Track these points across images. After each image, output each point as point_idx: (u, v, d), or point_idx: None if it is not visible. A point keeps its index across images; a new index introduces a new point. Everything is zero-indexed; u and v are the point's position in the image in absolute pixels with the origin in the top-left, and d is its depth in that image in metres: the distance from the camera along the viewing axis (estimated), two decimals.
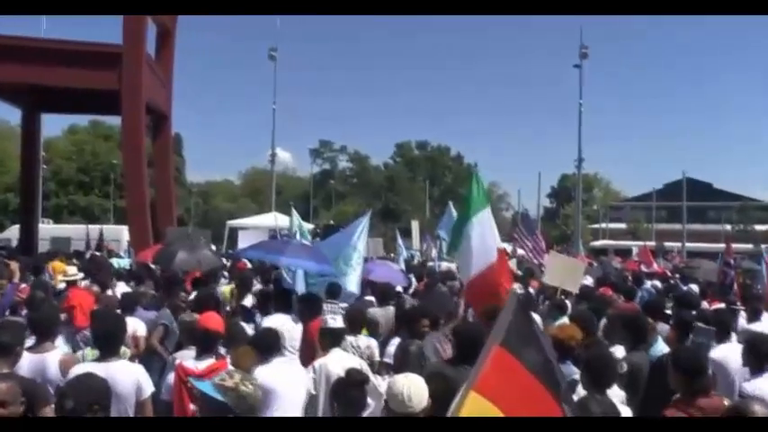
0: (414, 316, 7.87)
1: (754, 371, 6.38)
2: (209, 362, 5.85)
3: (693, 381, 4.92)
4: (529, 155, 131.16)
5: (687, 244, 51.62)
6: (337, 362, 6.31)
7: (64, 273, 12.41)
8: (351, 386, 5.01)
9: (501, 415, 3.15)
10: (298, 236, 13.83)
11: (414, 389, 3.92)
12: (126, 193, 23.84)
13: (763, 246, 45.55)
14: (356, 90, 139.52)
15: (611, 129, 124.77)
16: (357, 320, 7.86)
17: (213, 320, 6.42)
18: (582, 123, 42.07)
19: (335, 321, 6.89)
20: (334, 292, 9.91)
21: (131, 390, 5.29)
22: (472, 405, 3.14)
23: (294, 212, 14.42)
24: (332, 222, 45.32)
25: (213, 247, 23.28)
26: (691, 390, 4.85)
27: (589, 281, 14.60)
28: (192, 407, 5.23)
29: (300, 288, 10.48)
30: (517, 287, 11.56)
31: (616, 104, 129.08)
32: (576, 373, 5.80)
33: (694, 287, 15.54)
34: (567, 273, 10.19)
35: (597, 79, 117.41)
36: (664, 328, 8.25)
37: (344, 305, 9.46)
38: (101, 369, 4.83)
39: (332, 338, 6.72)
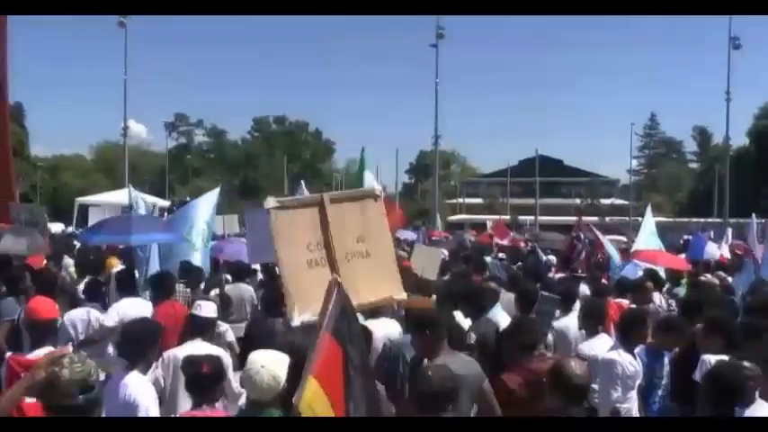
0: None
1: (590, 333, 6.78)
2: (45, 351, 5.17)
3: (529, 349, 5.15)
4: (388, 131, 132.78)
5: (540, 217, 54.04)
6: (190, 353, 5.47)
7: None
8: (197, 380, 4.54)
9: (327, 398, 3.25)
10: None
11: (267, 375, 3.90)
12: None
13: (607, 218, 48.17)
14: (213, 63, 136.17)
15: (469, 107, 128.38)
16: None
17: (43, 307, 5.76)
18: (438, 101, 42.93)
19: (203, 309, 6.04)
20: (188, 270, 9.61)
21: None
22: (310, 390, 3.21)
23: (130, 188, 13.13)
24: (188, 199, 44.00)
25: (55, 226, 21.86)
26: (527, 355, 5.07)
27: (445, 254, 15.00)
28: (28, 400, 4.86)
29: (155, 267, 10.03)
30: None
31: (472, 84, 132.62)
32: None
33: (552, 258, 16.29)
34: (427, 261, 10.46)
35: (454, 58, 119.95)
36: (510, 296, 8.60)
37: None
38: None
39: (195, 327, 5.98)
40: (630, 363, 5.85)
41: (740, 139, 74.69)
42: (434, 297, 8.16)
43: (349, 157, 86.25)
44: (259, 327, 7.22)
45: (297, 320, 4.43)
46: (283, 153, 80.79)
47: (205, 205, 11.31)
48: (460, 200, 78.46)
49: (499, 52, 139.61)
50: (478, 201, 77.08)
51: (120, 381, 4.75)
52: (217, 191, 11.79)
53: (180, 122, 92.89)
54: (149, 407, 4.62)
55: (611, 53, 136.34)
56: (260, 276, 11.54)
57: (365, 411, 3.36)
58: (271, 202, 4.68)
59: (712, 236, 24.55)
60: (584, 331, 7.17)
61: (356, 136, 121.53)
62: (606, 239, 14.16)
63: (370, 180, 11.72)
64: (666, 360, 6.39)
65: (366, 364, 3.42)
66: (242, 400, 4.74)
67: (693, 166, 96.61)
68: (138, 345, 4.96)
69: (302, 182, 19.61)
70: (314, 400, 3.26)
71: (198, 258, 10.61)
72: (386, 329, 6.74)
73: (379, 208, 4.92)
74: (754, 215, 14.66)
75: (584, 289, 10.05)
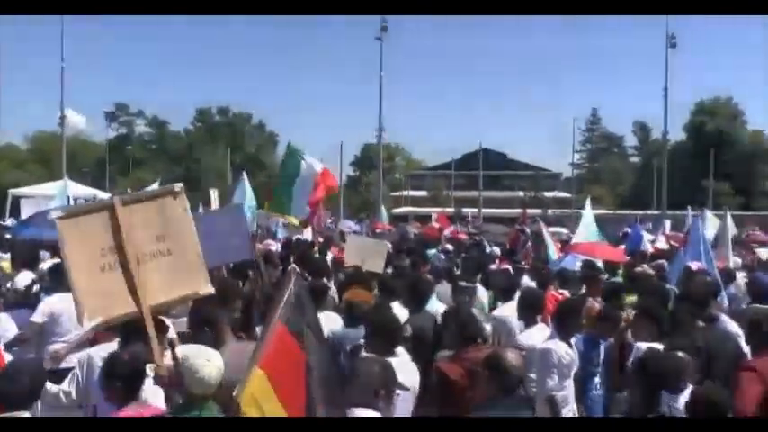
0: None
1: (528, 323, 6.85)
2: None
3: (462, 336, 5.18)
4: (332, 124, 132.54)
5: (483, 210, 54.55)
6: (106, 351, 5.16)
7: None
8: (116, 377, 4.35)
9: (275, 392, 3.18)
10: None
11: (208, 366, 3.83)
12: None
13: (549, 211, 48.88)
14: (155, 53, 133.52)
15: (414, 100, 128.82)
16: None
17: None
18: (383, 94, 42.93)
19: None
20: None
21: None
22: (255, 383, 3.16)
23: (66, 179, 12.92)
24: (129, 190, 43.10)
25: None
26: (463, 344, 5.09)
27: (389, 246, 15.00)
28: None
29: None
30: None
31: (417, 77, 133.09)
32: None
33: (497, 250, 16.47)
34: (367, 253, 10.37)
35: (399, 51, 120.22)
36: (446, 288, 8.68)
37: None
38: None
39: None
40: (566, 352, 5.94)
41: (678, 134, 76.91)
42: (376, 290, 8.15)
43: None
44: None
45: (87, 325, 4.45)
46: (226, 145, 79.81)
47: None
48: (405, 192, 78.69)
49: (444, 46, 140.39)
50: (423, 193, 77.43)
51: None
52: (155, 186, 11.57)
53: (120, 113, 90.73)
54: None
55: (554, 50, 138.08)
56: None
57: (323, 402, 3.28)
58: (54, 213, 4.67)
59: (650, 228, 25.12)
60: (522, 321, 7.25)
61: (300, 128, 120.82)
62: (547, 232, 14.37)
63: (312, 164, 11.64)
64: (602, 349, 6.51)
65: (324, 354, 3.36)
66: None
67: (634, 160, 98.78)
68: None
69: (245, 174, 19.37)
70: (259, 394, 3.19)
71: None
72: (329, 323, 6.70)
73: (180, 204, 4.89)
74: (689, 208, 15.14)
75: (527, 280, 10.16)
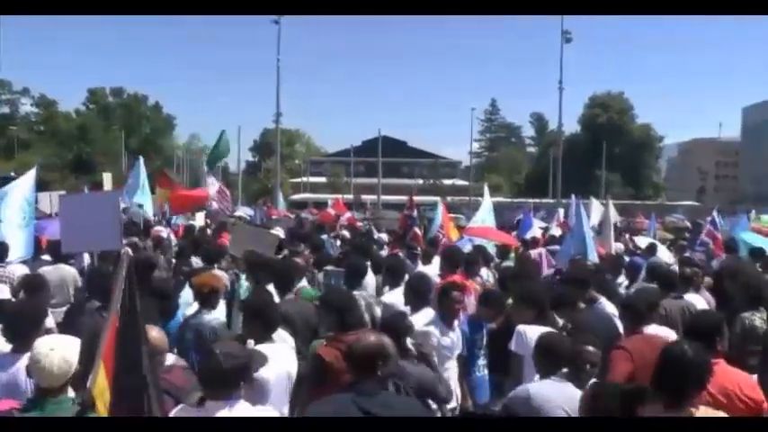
0: None
1: (415, 307, 6.78)
2: None
3: (342, 319, 5.07)
4: (231, 108, 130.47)
5: (383, 197, 54.81)
6: None
7: None
8: None
9: (107, 380, 3.09)
10: None
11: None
12: None
13: (448, 198, 49.49)
14: (41, 28, 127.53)
15: (314, 86, 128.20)
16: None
17: None
18: (282, 80, 42.52)
19: None
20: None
21: None
22: (100, 375, 3.11)
23: None
24: (13, 174, 41.08)
25: None
26: (341, 327, 4.99)
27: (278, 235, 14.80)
28: None
29: None
30: None
31: (318, 63, 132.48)
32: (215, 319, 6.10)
33: (384, 236, 16.56)
34: (254, 242, 10.12)
35: (299, 36, 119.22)
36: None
37: None
38: None
39: None
40: (447, 334, 5.94)
41: (573, 126, 79.56)
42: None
43: (191, 132, 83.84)
44: (81, 311, 6.68)
45: None
46: (121, 127, 77.31)
47: (22, 183, 10.50)
48: (304, 179, 78.30)
49: (344, 32, 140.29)
50: (322, 180, 77.24)
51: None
52: (34, 170, 10.97)
53: (2, 90, 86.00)
54: None
55: (455, 42, 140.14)
56: (86, 258, 10.82)
57: (128, 390, 3.08)
58: None
59: (545, 216, 25.88)
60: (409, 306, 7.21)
61: (199, 112, 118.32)
62: (442, 213, 14.58)
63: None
64: (485, 331, 6.54)
65: (137, 340, 3.14)
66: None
67: (531, 150, 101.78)
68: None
69: (141, 158, 18.75)
70: (103, 385, 3.12)
71: (20, 237, 9.82)
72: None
73: None
74: (573, 196, 15.73)
75: (431, 266, 10.20)
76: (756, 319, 6.21)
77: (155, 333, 4.11)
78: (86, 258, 10.29)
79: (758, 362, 5.81)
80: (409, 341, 4.94)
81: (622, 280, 10.01)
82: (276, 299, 6.72)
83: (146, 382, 3.07)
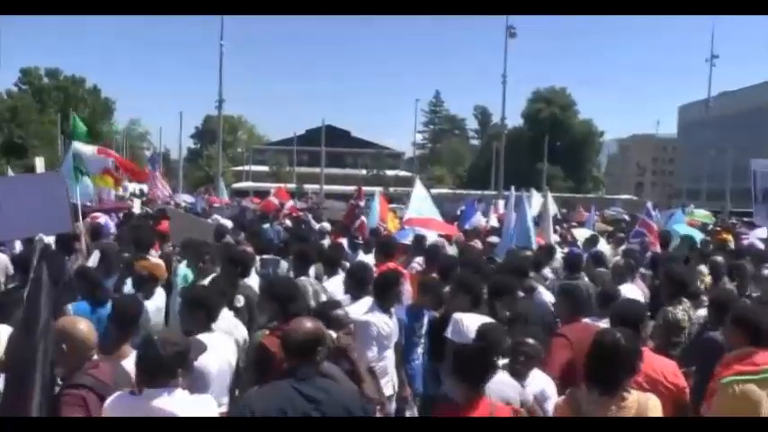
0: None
1: (354, 296, 6.81)
2: None
3: (284, 308, 5.07)
4: (172, 92, 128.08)
5: (326, 186, 54.67)
6: None
7: None
8: None
9: None
10: None
11: None
12: None
13: (391, 189, 49.54)
14: None
15: (257, 73, 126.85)
16: None
17: None
18: (225, 65, 42.02)
19: None
20: None
21: None
22: None
23: None
24: None
25: None
26: (283, 315, 4.99)
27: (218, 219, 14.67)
28: None
29: None
30: None
31: (262, 50, 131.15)
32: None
33: (326, 225, 16.54)
34: (193, 231, 10.00)
35: (242, 21, 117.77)
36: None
37: None
38: None
39: None
40: (386, 323, 5.99)
41: (516, 120, 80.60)
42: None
43: (131, 117, 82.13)
44: (12, 299, 6.49)
45: None
46: (57, 110, 75.03)
47: None
48: (247, 167, 77.53)
49: (290, 20, 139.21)
50: (264, 168, 76.56)
51: None
52: None
53: None
54: None
55: (401, 34, 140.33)
56: (18, 244, 10.53)
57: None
58: None
59: (485, 208, 26.15)
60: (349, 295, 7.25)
61: (139, 96, 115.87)
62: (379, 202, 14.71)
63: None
64: (426, 320, 6.60)
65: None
66: None
67: (474, 142, 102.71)
68: None
69: (74, 142, 18.18)
70: None
71: None
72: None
73: None
74: (513, 188, 16.02)
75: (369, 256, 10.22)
76: (679, 311, 6.40)
77: (83, 326, 3.98)
78: (18, 245, 10.03)
79: (679, 352, 6.01)
80: (333, 335, 4.87)
81: (558, 266, 10.23)
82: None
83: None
